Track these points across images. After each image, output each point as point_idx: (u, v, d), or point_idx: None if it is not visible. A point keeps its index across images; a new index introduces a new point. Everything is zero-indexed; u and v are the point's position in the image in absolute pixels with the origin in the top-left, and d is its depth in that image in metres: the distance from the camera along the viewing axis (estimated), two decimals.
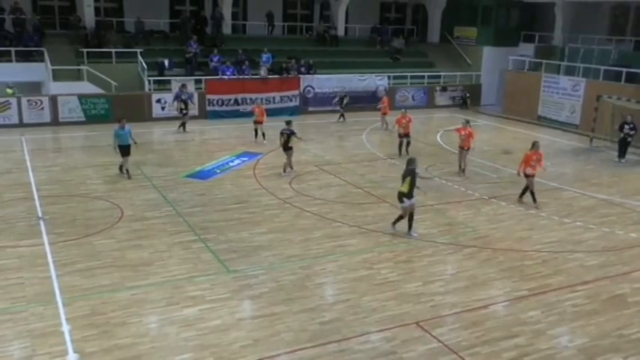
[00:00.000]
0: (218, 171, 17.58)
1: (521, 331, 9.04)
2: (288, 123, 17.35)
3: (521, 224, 13.88)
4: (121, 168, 16.56)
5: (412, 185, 12.45)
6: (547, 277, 10.97)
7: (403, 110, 21.11)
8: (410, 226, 12.74)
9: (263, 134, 21.38)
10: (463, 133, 17.56)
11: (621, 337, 8.97)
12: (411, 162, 12.70)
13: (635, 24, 29.84)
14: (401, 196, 12.57)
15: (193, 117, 24.20)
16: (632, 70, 24.73)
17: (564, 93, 27.07)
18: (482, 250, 12.18)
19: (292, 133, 16.92)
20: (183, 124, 22.84)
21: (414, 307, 9.65)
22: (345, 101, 26.72)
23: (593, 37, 29.39)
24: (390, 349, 8.43)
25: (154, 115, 24.48)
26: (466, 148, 17.60)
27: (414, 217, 12.79)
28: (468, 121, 18.14)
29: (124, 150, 16.29)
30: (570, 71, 27.71)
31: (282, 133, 17.14)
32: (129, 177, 16.26)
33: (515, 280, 10.84)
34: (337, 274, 10.85)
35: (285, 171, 17.14)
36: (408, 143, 20.20)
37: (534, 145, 15.21)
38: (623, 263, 11.75)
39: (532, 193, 15.06)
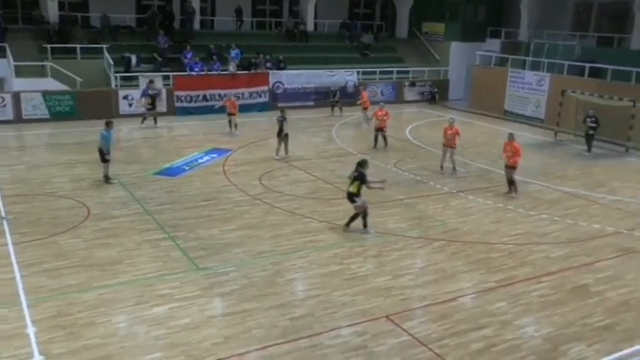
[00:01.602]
0: (187, 168, 17.43)
1: (489, 322, 9.20)
2: (282, 111, 18.71)
3: (488, 217, 14.10)
4: (106, 175, 15.56)
5: (360, 187, 12.48)
6: (513, 269, 11.18)
7: (381, 104, 21.52)
8: (365, 224, 12.71)
9: (235, 125, 22.05)
10: (450, 132, 17.54)
11: (585, 325, 9.20)
12: (362, 164, 12.64)
13: (598, 20, 30.51)
14: (351, 196, 12.56)
15: (162, 113, 23.95)
16: (595, 65, 25.27)
17: (530, 88, 27.53)
18: (451, 244, 12.34)
19: (284, 119, 18.28)
20: (154, 118, 22.72)
21: (384, 301, 9.73)
22: (337, 95, 27.26)
23: (557, 33, 29.93)
24: (361, 343, 8.50)
25: (120, 112, 24.09)
26: (452, 147, 17.56)
27: (368, 214, 12.73)
28: (453, 120, 18.11)
29: (101, 154, 15.33)
30: (535, 66, 28.19)
31: (278, 120, 18.45)
32: (108, 182, 15.42)
33: (482, 272, 11.02)
34: (308, 270, 10.88)
35: (278, 158, 18.24)
36: (384, 137, 20.47)
37: (508, 136, 15.77)
38: (586, 254, 12.04)
39: (508, 182, 15.62)
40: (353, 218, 12.72)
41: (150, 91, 22.96)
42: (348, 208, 14.12)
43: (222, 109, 22.89)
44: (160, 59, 26.00)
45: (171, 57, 26.65)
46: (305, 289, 10.24)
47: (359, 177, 12.48)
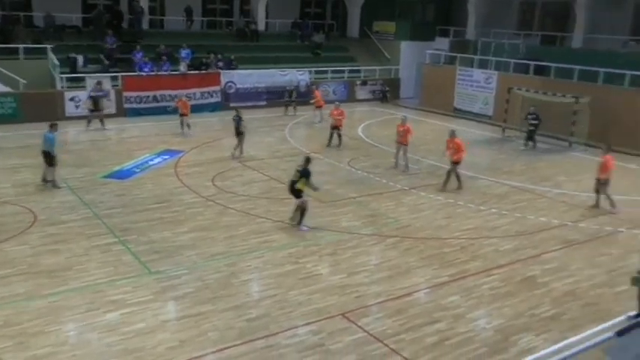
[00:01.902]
0: (138, 170, 17.11)
1: (443, 316, 9.38)
2: (237, 110, 19.01)
3: (440, 213, 14.37)
4: (44, 179, 15.08)
5: (305, 184, 12.67)
6: (465, 263, 11.44)
7: (336, 103, 21.86)
8: (300, 221, 12.85)
9: (188, 125, 21.88)
10: (401, 129, 17.91)
11: (533, 316, 9.49)
12: (307, 161, 12.82)
13: (541, 19, 31.50)
14: (298, 192, 12.74)
15: (111, 115, 23.43)
16: (539, 63, 26.07)
17: (478, 85, 28.17)
18: (404, 240, 12.52)
19: (240, 119, 18.45)
20: (101, 120, 22.24)
21: (340, 299, 9.80)
22: (293, 95, 27.26)
23: (503, 32, 30.74)
24: (318, 341, 8.54)
25: (67, 114, 23.41)
26: (404, 143, 17.90)
27: (306, 212, 12.90)
28: (405, 118, 18.54)
29: (49, 158, 14.86)
30: (483, 64, 28.88)
31: (233, 120, 18.68)
32: (55, 186, 14.95)
33: (435, 267, 11.23)
34: (263, 270, 10.86)
35: (233, 156, 18.39)
36: (339, 136, 20.67)
37: (450, 133, 16.29)
38: (533, 246, 12.42)
39: (447, 175, 16.12)
40: (302, 215, 12.82)
41: (92, 93, 22.39)
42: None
43: (175, 110, 22.59)
44: (107, 61, 25.41)
45: (120, 57, 26.09)
46: (260, 289, 10.21)
47: (304, 173, 12.61)
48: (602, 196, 14.90)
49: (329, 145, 20.61)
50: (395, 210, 14.46)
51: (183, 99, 22.54)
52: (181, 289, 9.94)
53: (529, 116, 21.85)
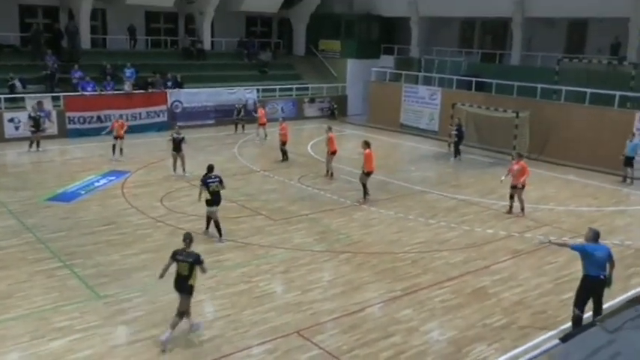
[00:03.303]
0: (83, 192, 16.63)
1: (397, 330, 9.45)
2: (177, 127, 19.33)
3: (391, 228, 14.53)
4: None
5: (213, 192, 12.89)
6: (417, 277, 11.58)
7: (280, 119, 22.58)
8: (214, 229, 13.11)
9: (121, 150, 20.81)
10: (326, 138, 19.14)
11: (485, 326, 9.68)
12: (210, 169, 13.14)
13: (481, 37, 32.57)
14: (208, 200, 12.97)
15: (52, 136, 22.75)
16: (480, 79, 26.89)
17: (423, 102, 28.80)
18: (357, 255, 12.59)
19: (182, 139, 18.41)
20: (37, 142, 21.42)
21: (294, 317, 9.74)
22: (242, 112, 27.20)
23: (446, 50, 31.59)
24: None
25: (6, 136, 22.63)
26: (329, 153, 18.90)
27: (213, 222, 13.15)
28: (330, 128, 19.59)
29: None
30: (427, 81, 29.58)
31: (173, 139, 18.37)
32: None
33: (388, 281, 11.31)
34: (215, 290, 10.68)
35: (175, 171, 18.47)
36: (283, 151, 21.18)
37: (362, 145, 16.90)
38: (482, 258, 12.70)
39: (363, 187, 16.65)
40: (218, 227, 13.04)
41: (32, 114, 21.69)
42: (254, 226, 14.13)
43: (110, 133, 21.64)
44: (48, 82, 24.64)
45: (62, 77, 25.40)
46: (213, 309, 10.04)
47: (204, 183, 12.91)
48: (514, 201, 15.72)
49: (283, 160, 21.24)
50: (346, 226, 14.53)
51: (120, 120, 21.75)
52: (131, 313, 9.67)
53: (452, 128, 22.89)
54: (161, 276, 9.13)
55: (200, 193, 13.03)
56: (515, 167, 15.69)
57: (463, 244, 13.55)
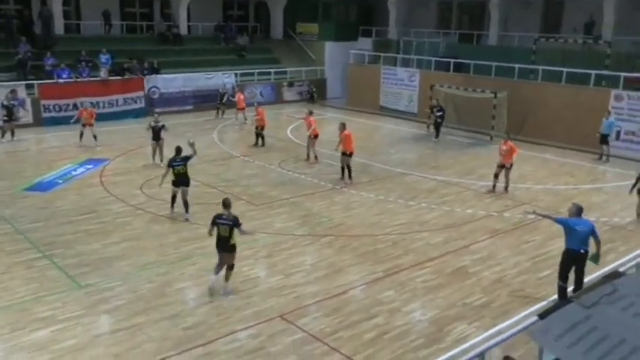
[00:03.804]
0: (60, 181, 16.43)
1: (379, 311, 9.55)
2: (156, 115, 18.96)
3: (371, 210, 14.61)
4: None
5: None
6: (398, 258, 11.69)
7: (256, 104, 22.40)
8: (187, 210, 13.48)
9: (94, 136, 20.47)
10: (306, 122, 19.14)
11: (465, 305, 9.82)
12: (178, 151, 13.52)
13: (459, 18, 32.64)
14: (174, 182, 13.43)
15: (27, 125, 22.38)
16: (458, 60, 26.98)
17: (402, 83, 28.84)
18: (338, 238, 12.65)
19: (162, 127, 18.06)
20: (11, 132, 21.05)
21: (278, 301, 9.79)
22: (225, 97, 26.96)
23: (423, 31, 31.59)
24: (257, 345, 8.50)
25: None
26: (312, 135, 18.84)
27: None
28: (311, 112, 19.60)
29: None
30: (406, 63, 29.61)
31: (152, 128, 18.06)
32: None
33: (370, 263, 11.41)
34: (197, 277, 10.67)
35: (154, 160, 18.01)
36: (259, 136, 21.09)
37: (340, 127, 17.12)
38: (462, 238, 12.85)
39: (342, 169, 16.83)
40: (186, 204, 13.48)
41: (5, 102, 21.30)
42: (235, 211, 14.04)
43: (78, 121, 21.13)
44: (20, 69, 24.15)
45: (35, 64, 24.93)
46: (196, 296, 10.04)
47: (170, 165, 13.41)
48: (499, 181, 16.01)
49: (256, 145, 21.01)
50: (328, 209, 14.58)
51: (89, 108, 21.48)
52: (113, 302, 9.64)
53: (434, 109, 22.94)
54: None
55: (164, 176, 13.42)
56: (504, 148, 15.84)
57: (443, 224, 13.69)
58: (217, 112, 26.92)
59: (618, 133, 20.94)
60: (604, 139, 20.08)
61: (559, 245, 12.03)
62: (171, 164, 13.33)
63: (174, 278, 10.58)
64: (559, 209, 13.88)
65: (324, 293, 10.11)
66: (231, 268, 9.99)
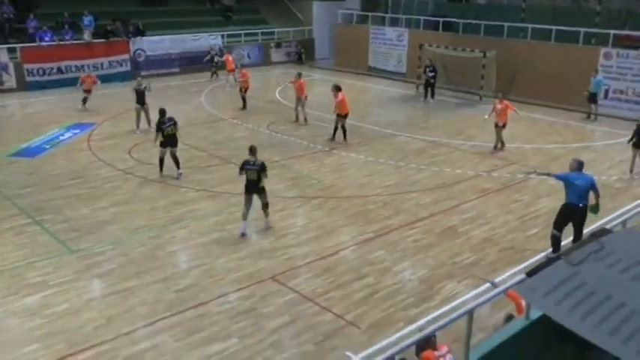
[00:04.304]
0: (47, 146, 16.27)
1: (370, 271, 9.65)
2: (140, 78, 18.39)
3: (361, 171, 14.63)
4: None
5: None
6: (389, 218, 11.76)
7: (239, 66, 22.35)
8: (178, 166, 13.71)
9: (84, 100, 20.33)
10: (295, 85, 18.84)
11: (454, 264, 9.95)
12: (162, 113, 13.58)
13: None
14: (162, 142, 13.52)
15: (11, 89, 22.03)
16: (447, 19, 26.67)
17: (390, 43, 28.53)
18: (329, 200, 12.69)
19: (145, 89, 17.75)
20: None
21: (269, 263, 9.87)
22: (215, 59, 26.64)
23: None
24: (249, 305, 8.59)
25: None
26: (303, 97, 18.71)
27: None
28: (299, 74, 19.33)
29: None
30: (394, 22, 29.23)
31: (136, 91, 17.70)
32: None
33: (360, 224, 11.48)
34: (189, 240, 10.72)
35: (138, 127, 17.63)
36: (243, 99, 20.90)
37: (332, 88, 17.07)
38: (452, 198, 12.93)
39: (334, 130, 16.93)
40: (176, 161, 13.66)
41: None
42: (225, 174, 14.07)
43: (82, 85, 20.90)
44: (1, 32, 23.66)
45: (17, 27, 24.37)
46: (188, 259, 10.10)
47: (159, 128, 13.49)
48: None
49: (243, 108, 20.75)
50: (318, 171, 14.58)
51: (92, 76, 21.23)
52: (105, 266, 9.67)
53: (427, 69, 22.73)
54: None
55: (156, 138, 13.46)
56: (499, 106, 15.87)
57: (433, 184, 13.75)
58: (212, 74, 26.59)
59: (606, 92, 20.92)
60: (592, 98, 20.08)
61: (547, 204, 12.24)
62: (160, 127, 13.32)
63: (166, 241, 10.62)
64: (547, 168, 13.94)
65: (315, 254, 10.19)
66: (266, 206, 10.95)
